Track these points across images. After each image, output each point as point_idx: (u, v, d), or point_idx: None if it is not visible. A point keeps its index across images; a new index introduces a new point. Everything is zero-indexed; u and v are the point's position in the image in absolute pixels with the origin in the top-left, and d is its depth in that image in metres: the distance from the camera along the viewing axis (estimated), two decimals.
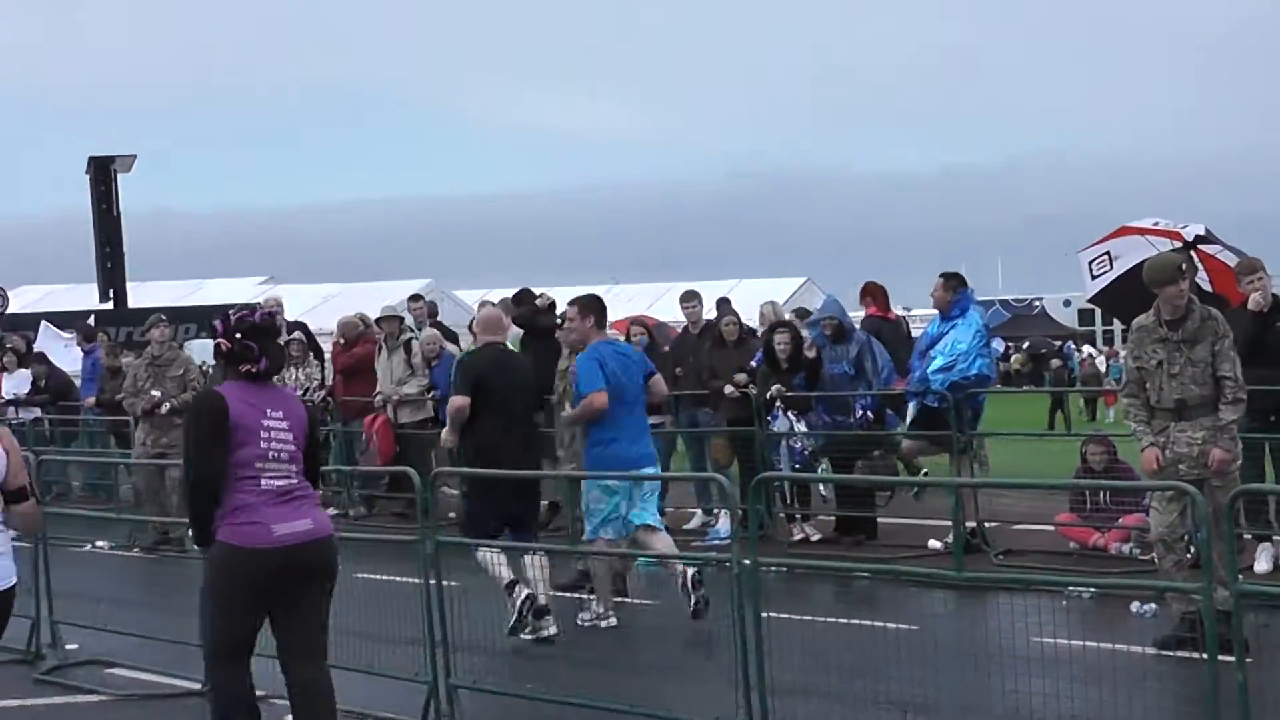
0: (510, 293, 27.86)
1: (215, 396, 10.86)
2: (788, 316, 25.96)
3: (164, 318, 27.47)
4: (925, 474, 23.37)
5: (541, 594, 15.78)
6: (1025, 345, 75.35)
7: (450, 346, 26.84)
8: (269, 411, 10.87)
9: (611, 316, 24.11)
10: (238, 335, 10.68)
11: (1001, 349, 70.16)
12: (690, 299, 26.28)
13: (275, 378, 11.52)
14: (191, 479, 10.77)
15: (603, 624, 16.82)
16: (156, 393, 24.70)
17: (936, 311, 21.79)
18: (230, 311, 11.14)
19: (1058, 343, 77.42)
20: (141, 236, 40.74)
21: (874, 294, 24.91)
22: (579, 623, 17.04)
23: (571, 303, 18.07)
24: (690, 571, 15.95)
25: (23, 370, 32.33)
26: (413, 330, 27.46)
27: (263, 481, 10.60)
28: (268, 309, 16.95)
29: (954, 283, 22.44)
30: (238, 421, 10.55)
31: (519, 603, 15.37)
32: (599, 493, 16.92)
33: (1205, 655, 9.81)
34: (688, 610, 15.72)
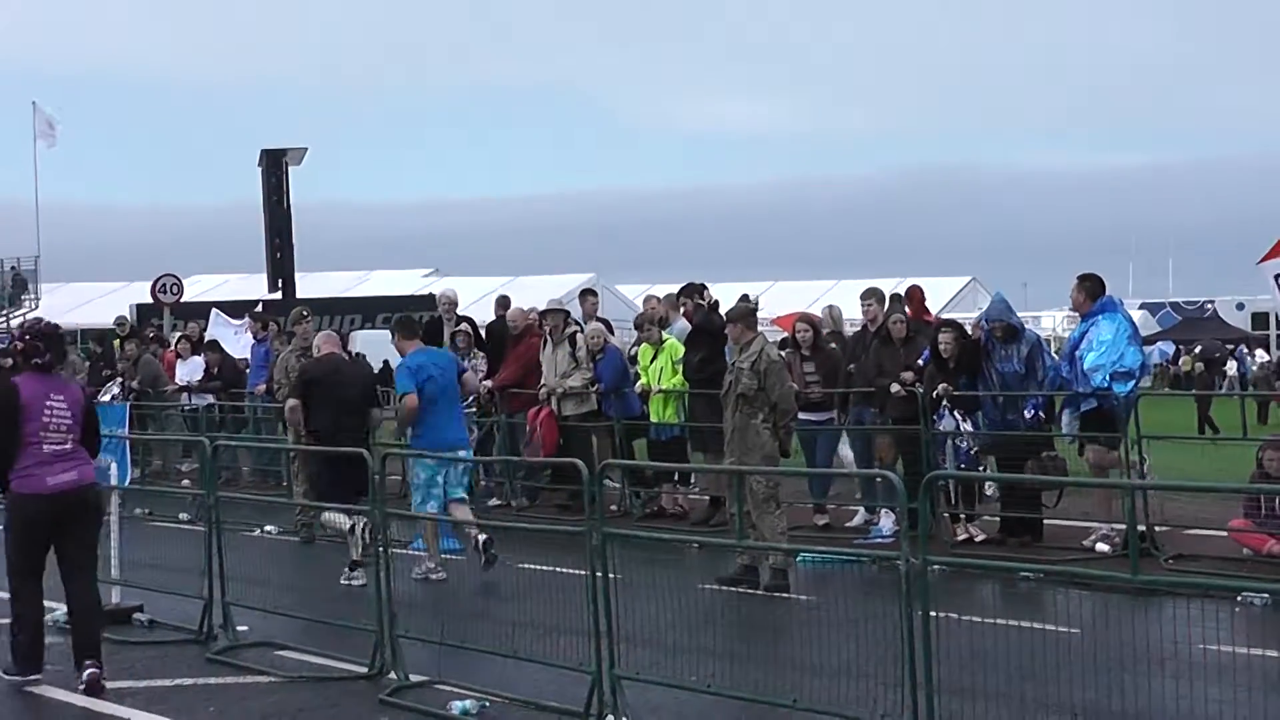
0: (673, 288, 28.17)
1: (10, 385, 15.08)
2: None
3: (306, 312, 28.60)
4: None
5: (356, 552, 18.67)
6: (1196, 349, 73.06)
7: (613, 340, 27.09)
8: (51, 395, 15.15)
9: (776, 312, 24.54)
10: (28, 337, 15.31)
11: (1171, 351, 71.75)
12: (869, 296, 25.66)
13: (59, 369, 16.47)
14: None
15: (434, 577, 18.95)
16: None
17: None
18: (24, 322, 17.22)
19: (1230, 346, 75.40)
20: (311, 228, 41.16)
21: (914, 297, 25.46)
22: (413, 577, 18.12)
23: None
24: (483, 537, 19.03)
25: (196, 358, 32.78)
26: (578, 324, 27.50)
27: (44, 447, 14.82)
28: (48, 323, 18.23)
29: (1089, 285, 22.47)
30: (27, 403, 14.79)
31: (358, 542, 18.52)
32: (425, 474, 20.37)
33: None
34: (480, 564, 18.71)
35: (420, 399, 20.06)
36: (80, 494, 15.07)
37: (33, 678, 14.82)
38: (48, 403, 14.92)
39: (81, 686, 14.47)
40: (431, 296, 38.24)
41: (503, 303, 29.93)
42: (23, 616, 15.02)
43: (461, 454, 21.74)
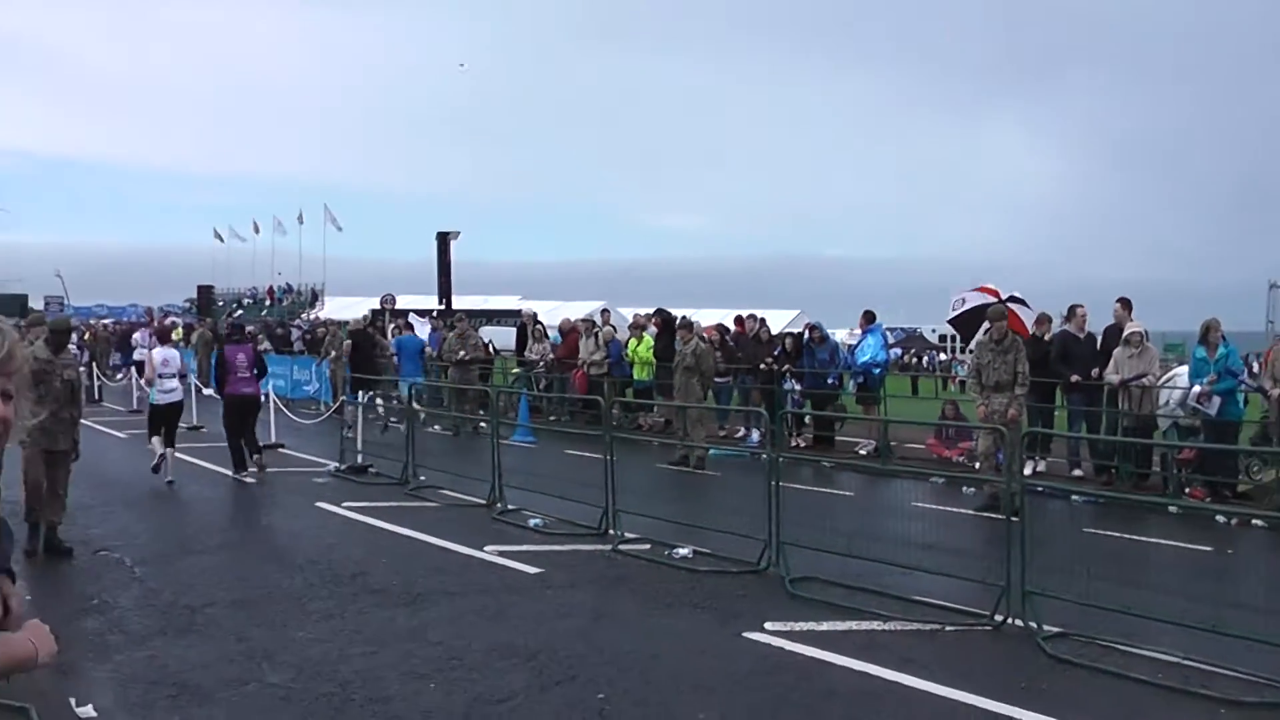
0: (648, 310, 29.08)
1: (222, 349, 18.66)
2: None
3: (463, 316, 29.21)
4: None
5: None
6: (912, 350, 66.29)
7: (617, 336, 28.00)
8: (239, 352, 18.69)
9: (705, 323, 25.20)
10: (230, 329, 16.28)
11: (899, 353, 62.76)
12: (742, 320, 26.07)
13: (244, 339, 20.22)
14: None
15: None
16: (463, 353, 26.15)
17: None
18: (229, 320, 18.51)
19: (929, 350, 68.21)
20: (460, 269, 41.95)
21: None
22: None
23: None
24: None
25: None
26: (599, 327, 28.34)
27: (236, 374, 18.28)
28: (238, 320, 20.76)
29: (866, 315, 22.69)
30: (229, 356, 18.57)
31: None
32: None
33: None
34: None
35: None
36: (245, 397, 18.37)
37: (245, 473, 17.81)
38: (237, 356, 18.55)
39: (254, 468, 17.66)
40: (519, 311, 38.92)
41: (565, 321, 30.41)
42: (235, 449, 17.92)
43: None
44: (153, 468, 17.06)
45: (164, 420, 17.53)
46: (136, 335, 38.79)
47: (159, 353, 18.34)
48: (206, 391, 30.11)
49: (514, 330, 32.56)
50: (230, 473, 17.71)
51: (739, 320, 26.00)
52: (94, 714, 7.29)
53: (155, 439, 17.37)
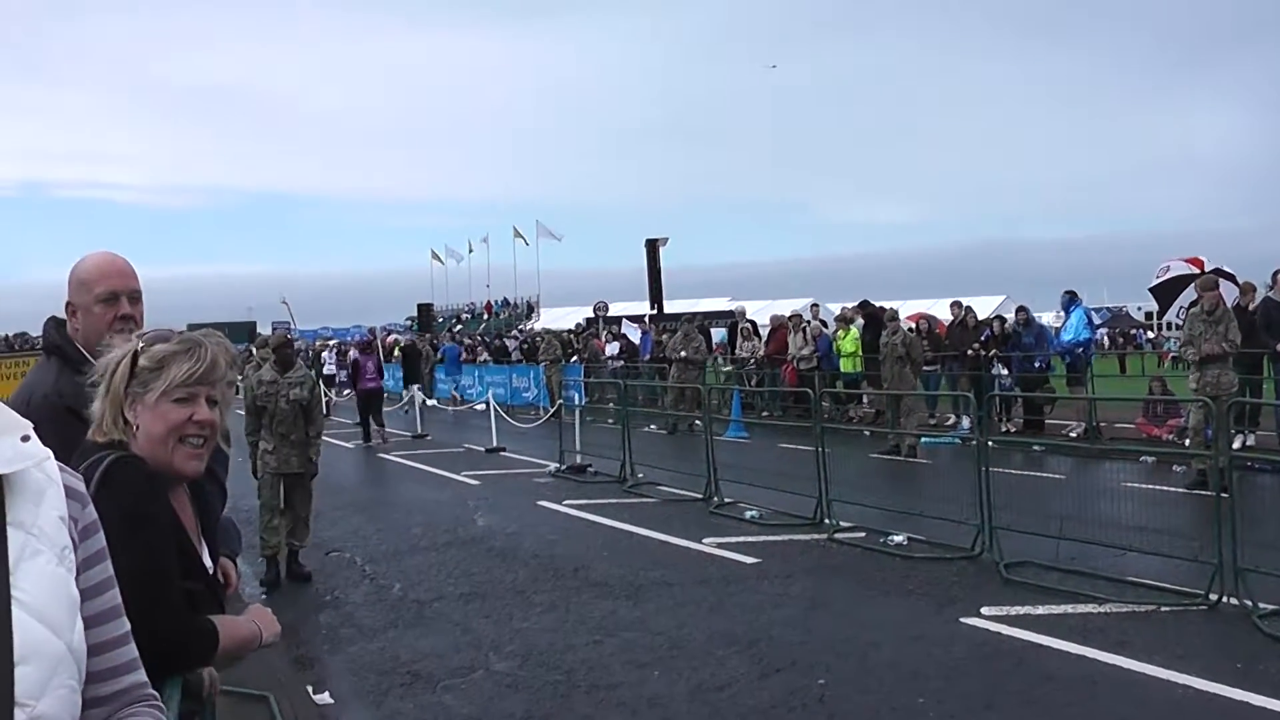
0: (850, 304, 28.87)
1: (354, 358, 24.90)
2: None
3: (691, 318, 29.38)
4: None
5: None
6: (1118, 330, 62.26)
7: (825, 331, 27.64)
8: (367, 359, 25.70)
9: (905, 314, 24.89)
10: (356, 346, 18.32)
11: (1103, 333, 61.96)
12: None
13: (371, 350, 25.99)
14: None
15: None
16: (684, 352, 26.18)
17: None
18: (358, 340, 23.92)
19: (1134, 330, 64.22)
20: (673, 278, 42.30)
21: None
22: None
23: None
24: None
25: (614, 342, 33.67)
26: (807, 321, 27.96)
27: (365, 374, 25.18)
28: (363, 338, 25.01)
29: (1067, 295, 22.36)
30: (360, 362, 25.74)
31: None
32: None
33: None
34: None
35: None
36: (371, 391, 24.89)
37: (369, 443, 24.51)
38: (367, 364, 25.05)
39: (378, 440, 24.36)
40: (731, 311, 38.92)
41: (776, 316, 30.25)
42: (364, 424, 24.87)
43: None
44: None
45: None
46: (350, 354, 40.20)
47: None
48: (430, 403, 30.87)
49: (725, 330, 32.69)
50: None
51: (955, 305, 25.51)
52: (330, 700, 7.49)
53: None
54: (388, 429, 25.40)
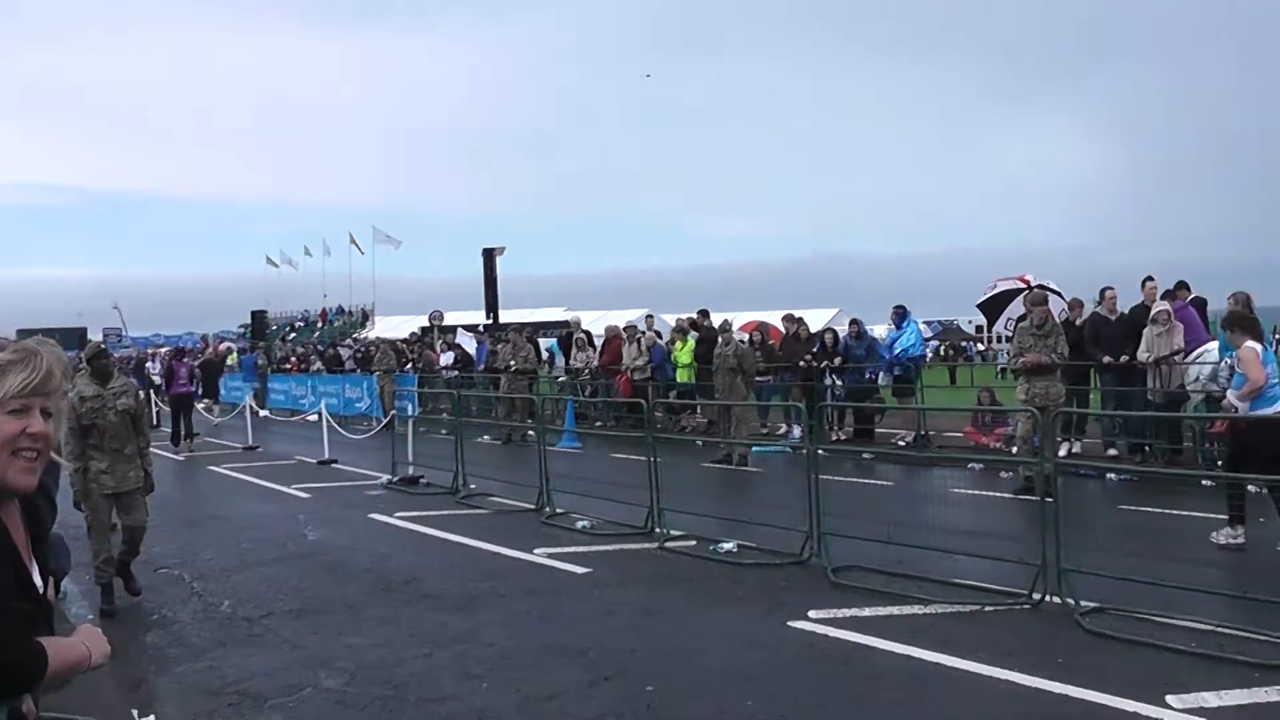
0: (686, 315, 28.99)
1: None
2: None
3: (520, 328, 29.30)
4: None
5: None
6: (947, 342, 63.87)
7: (659, 341, 27.44)
8: None
9: (738, 324, 25.09)
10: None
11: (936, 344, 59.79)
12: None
13: None
14: None
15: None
16: (513, 363, 26.12)
17: None
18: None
19: (964, 344, 65.90)
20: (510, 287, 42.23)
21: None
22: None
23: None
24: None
25: (449, 352, 33.30)
26: (642, 333, 27.82)
27: None
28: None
29: (897, 311, 22.93)
30: None
31: None
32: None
33: None
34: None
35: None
36: (181, 397, 23.91)
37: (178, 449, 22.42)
38: (178, 367, 24.27)
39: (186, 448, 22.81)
40: (567, 322, 38.88)
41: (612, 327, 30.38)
42: (175, 430, 22.60)
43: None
44: None
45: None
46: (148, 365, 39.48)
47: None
48: (263, 413, 30.41)
49: (555, 340, 32.78)
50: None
51: (788, 318, 25.84)
52: None
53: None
54: (200, 438, 25.09)
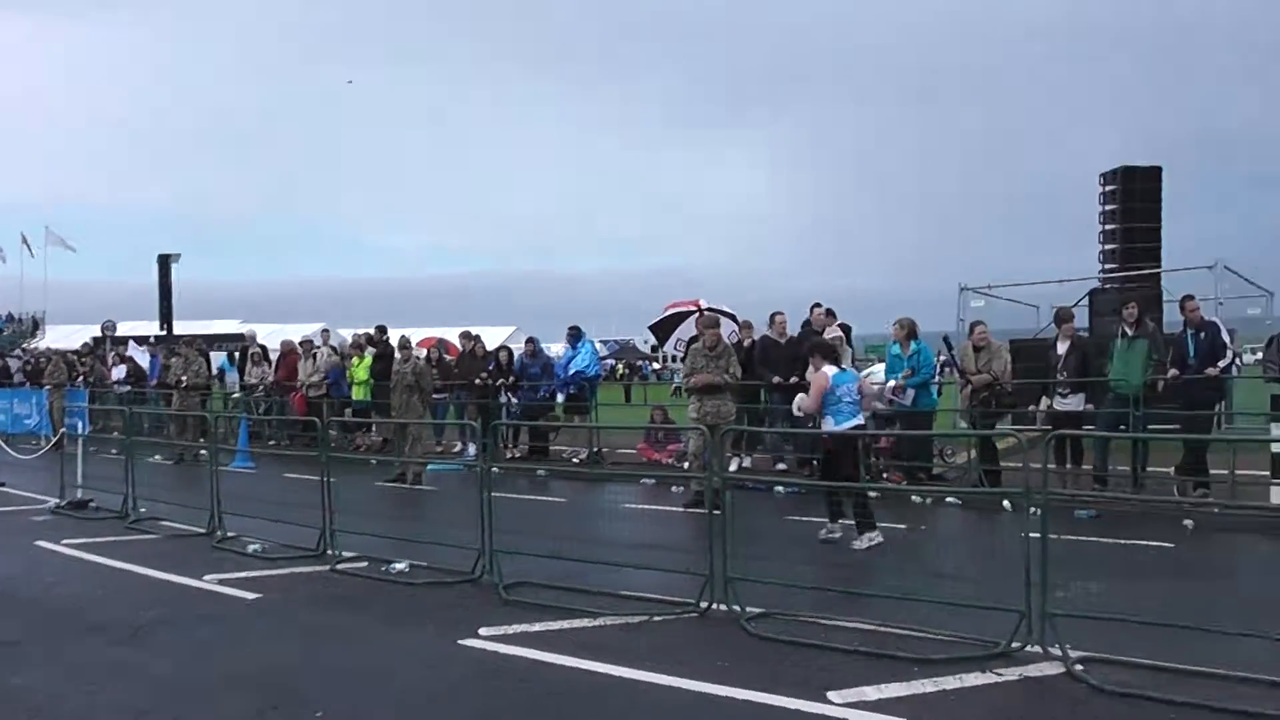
0: (361, 331, 28.77)
1: None
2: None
3: (191, 340, 28.50)
4: None
5: None
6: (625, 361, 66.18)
7: (335, 360, 27.05)
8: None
9: (416, 339, 25.13)
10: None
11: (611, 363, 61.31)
12: None
13: None
14: None
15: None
16: (184, 378, 25.46)
17: None
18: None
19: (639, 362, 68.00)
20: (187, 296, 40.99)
21: None
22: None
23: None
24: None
25: (121, 365, 31.94)
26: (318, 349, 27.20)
27: None
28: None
29: (571, 331, 23.19)
30: None
31: None
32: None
33: None
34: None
35: None
36: None
37: None
38: None
39: None
40: (242, 335, 37.98)
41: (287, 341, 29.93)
42: None
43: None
44: None
45: None
46: None
47: None
48: None
49: (225, 355, 32.11)
50: None
51: (465, 335, 25.93)
52: None
53: None
54: None
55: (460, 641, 9.16)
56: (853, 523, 12.93)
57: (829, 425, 12.89)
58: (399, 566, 11.91)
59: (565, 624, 9.60)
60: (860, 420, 13.15)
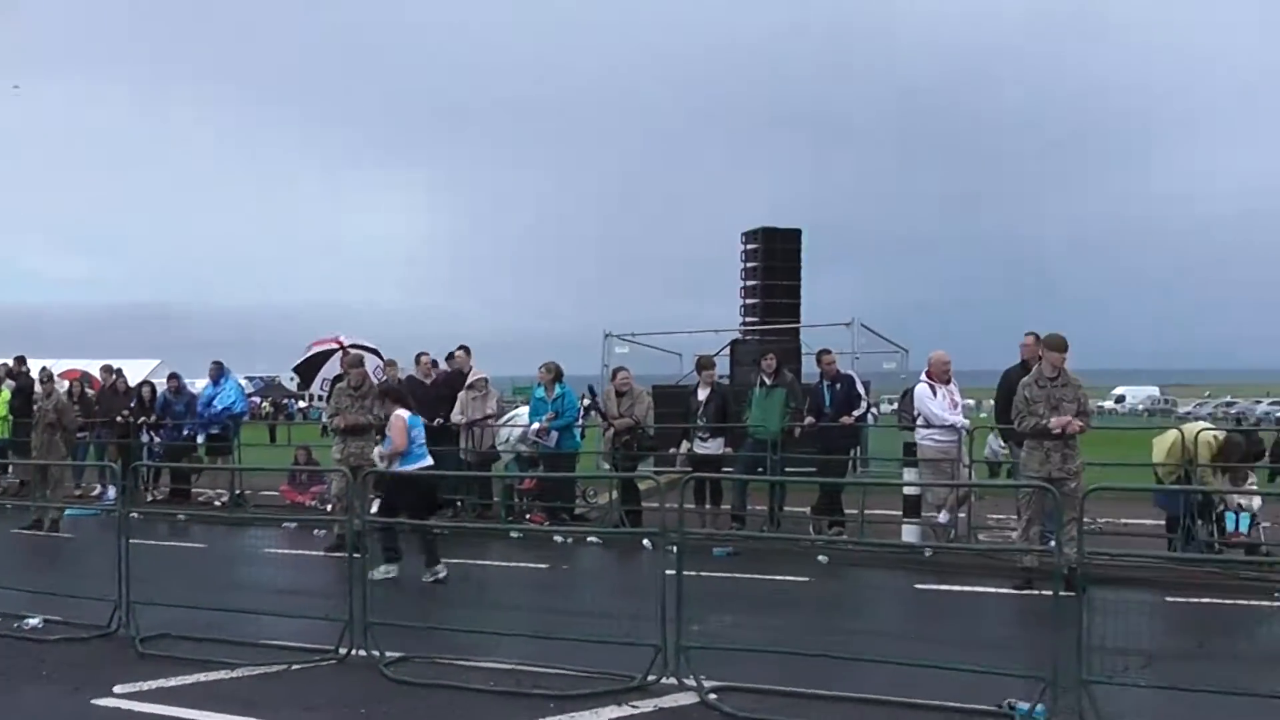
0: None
1: None
2: None
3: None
4: None
5: None
6: None
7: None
8: None
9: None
10: None
11: None
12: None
13: None
14: None
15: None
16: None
17: None
18: None
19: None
20: None
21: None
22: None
23: None
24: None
25: None
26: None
27: None
28: None
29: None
30: None
31: None
32: None
33: None
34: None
35: None
36: None
37: None
38: None
39: None
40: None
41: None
42: None
43: None
44: None
45: None
46: None
47: None
48: None
49: None
50: None
51: (106, 369, 24.84)
52: None
53: None
54: None
55: (93, 701, 8.86)
56: (438, 563, 13.26)
57: (398, 466, 13.19)
58: (33, 622, 11.39)
59: (202, 676, 9.41)
60: (430, 461, 13.63)
